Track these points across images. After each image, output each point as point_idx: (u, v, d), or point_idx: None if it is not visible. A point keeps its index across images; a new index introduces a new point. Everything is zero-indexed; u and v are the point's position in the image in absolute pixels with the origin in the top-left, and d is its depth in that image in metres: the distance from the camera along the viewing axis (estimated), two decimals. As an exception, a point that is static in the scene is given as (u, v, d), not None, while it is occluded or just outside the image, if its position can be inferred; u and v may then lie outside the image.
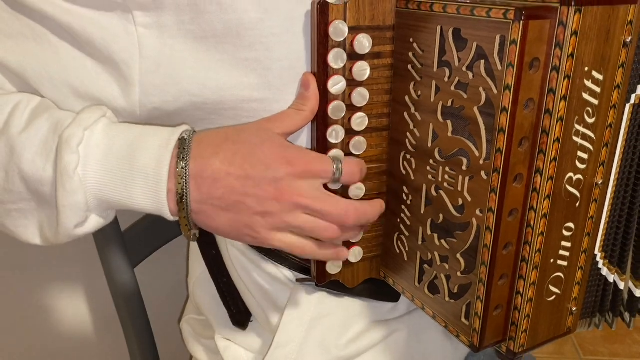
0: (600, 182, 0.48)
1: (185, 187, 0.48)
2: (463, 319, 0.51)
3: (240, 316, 0.68)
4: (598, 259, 0.52)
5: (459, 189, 0.49)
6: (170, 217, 0.49)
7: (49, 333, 0.98)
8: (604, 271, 0.52)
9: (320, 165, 0.49)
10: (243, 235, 0.50)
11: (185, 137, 0.49)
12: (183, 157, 0.48)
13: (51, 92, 0.52)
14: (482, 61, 0.44)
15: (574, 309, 0.52)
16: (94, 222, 0.51)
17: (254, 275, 0.65)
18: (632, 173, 0.50)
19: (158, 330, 0.84)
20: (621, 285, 0.53)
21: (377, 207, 0.53)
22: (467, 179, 0.48)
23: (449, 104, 0.48)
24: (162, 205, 0.48)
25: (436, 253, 0.53)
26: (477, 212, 0.47)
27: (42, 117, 0.50)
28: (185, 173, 0.47)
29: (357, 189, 0.55)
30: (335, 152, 0.53)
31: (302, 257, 0.61)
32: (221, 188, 0.48)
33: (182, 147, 0.48)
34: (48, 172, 0.48)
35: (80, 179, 0.47)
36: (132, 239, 0.79)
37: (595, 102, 0.45)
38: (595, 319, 0.55)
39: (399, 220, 0.57)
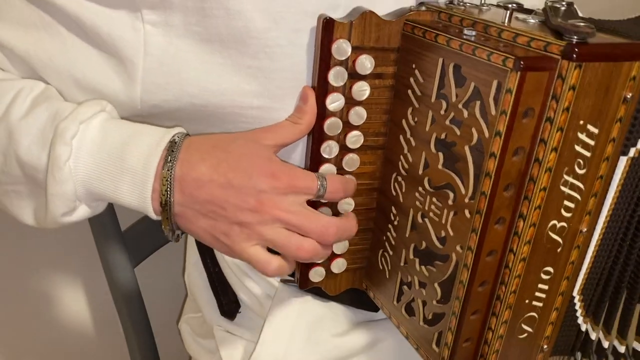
0: (584, 229, 0.48)
1: (169, 188, 0.49)
2: (434, 346, 0.52)
3: (228, 306, 0.69)
4: (576, 300, 0.53)
5: (443, 221, 0.49)
6: (154, 216, 0.51)
7: (49, 333, 0.99)
8: (580, 319, 0.53)
9: (304, 181, 0.49)
10: (219, 243, 0.50)
11: (176, 140, 0.50)
12: (170, 160, 0.49)
13: (55, 81, 0.53)
14: (478, 102, 0.44)
15: (545, 346, 0.53)
16: (82, 212, 0.52)
17: (243, 269, 0.66)
18: (624, 224, 0.50)
19: (158, 330, 0.84)
20: (592, 335, 0.53)
21: (355, 223, 0.53)
22: (451, 213, 0.48)
23: (443, 136, 0.48)
24: (146, 204, 0.49)
25: (415, 277, 0.53)
26: (458, 247, 0.48)
27: (42, 105, 0.51)
28: (170, 175, 0.48)
29: (346, 204, 0.56)
30: (326, 167, 0.53)
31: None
32: (203, 194, 0.49)
33: (171, 150, 0.49)
34: (43, 160, 0.50)
35: (70, 171, 0.49)
36: (132, 239, 0.79)
37: (588, 154, 0.44)
38: (568, 358, 0.56)
39: (384, 237, 0.57)
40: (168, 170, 0.49)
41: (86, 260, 0.95)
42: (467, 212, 0.46)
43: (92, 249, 0.79)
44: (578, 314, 0.53)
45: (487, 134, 0.43)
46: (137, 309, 0.80)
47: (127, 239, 0.78)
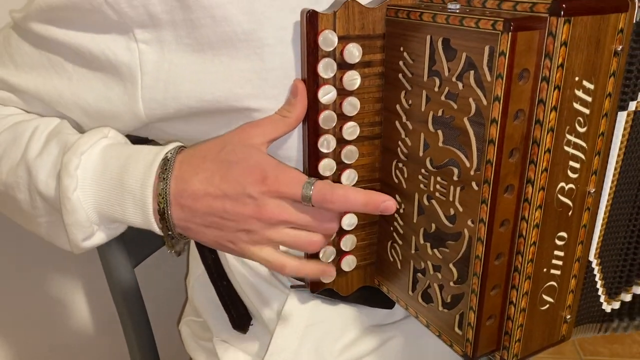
0: (592, 190, 0.48)
1: (166, 206, 0.50)
2: (456, 329, 0.51)
3: (240, 320, 0.68)
4: (594, 265, 0.52)
5: (451, 199, 0.48)
6: (160, 233, 0.52)
7: (48, 333, 0.98)
8: (598, 284, 0.52)
9: (290, 189, 0.48)
10: (229, 250, 0.51)
11: (169, 157, 0.51)
12: (164, 178, 0.50)
13: (67, 112, 0.58)
14: (472, 71, 0.44)
15: (568, 316, 0.52)
16: (101, 235, 0.55)
17: (251, 280, 0.65)
18: (635, 183, 0.50)
19: (158, 330, 0.84)
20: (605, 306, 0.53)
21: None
22: (458, 189, 0.47)
23: (440, 113, 0.47)
24: (151, 223, 0.51)
25: (429, 262, 0.52)
26: (469, 222, 0.47)
27: (53, 141, 0.54)
28: (166, 193, 0.50)
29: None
30: (325, 162, 0.53)
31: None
32: (202, 207, 0.49)
33: (164, 168, 0.50)
34: (59, 192, 0.52)
35: (79, 200, 0.51)
36: (132, 239, 0.79)
37: (587, 111, 0.44)
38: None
39: (392, 228, 0.56)
40: (162, 189, 0.50)
41: (86, 260, 0.95)
42: (474, 184, 0.46)
43: (92, 249, 0.78)
44: (597, 278, 0.52)
45: (485, 102, 0.43)
46: (137, 309, 0.80)
47: (127, 239, 0.77)
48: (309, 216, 0.49)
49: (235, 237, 0.50)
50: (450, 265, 0.50)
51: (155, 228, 0.51)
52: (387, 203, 0.47)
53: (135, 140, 0.58)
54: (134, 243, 0.80)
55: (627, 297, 0.54)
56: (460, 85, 0.45)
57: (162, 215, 0.50)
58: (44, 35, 0.55)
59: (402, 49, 0.50)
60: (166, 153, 0.51)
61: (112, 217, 0.52)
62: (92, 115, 0.57)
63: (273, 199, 0.48)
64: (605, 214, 0.50)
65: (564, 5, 0.40)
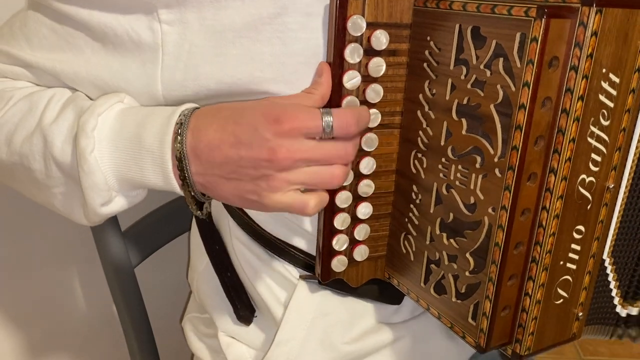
0: (611, 186, 0.48)
1: (184, 159, 0.48)
2: (470, 319, 0.51)
3: (244, 311, 0.67)
4: (607, 264, 0.52)
5: (472, 187, 0.49)
6: (180, 192, 0.51)
7: (48, 333, 0.97)
8: (612, 284, 0.52)
9: (308, 121, 0.47)
10: (251, 203, 0.49)
11: (186, 112, 0.50)
12: (181, 132, 0.49)
13: (81, 89, 0.57)
14: (501, 59, 0.44)
15: (580, 314, 0.52)
16: (120, 202, 0.54)
17: (259, 271, 0.64)
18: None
19: (158, 329, 0.83)
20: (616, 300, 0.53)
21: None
22: (480, 177, 0.48)
23: (465, 101, 0.48)
24: (171, 182, 0.50)
25: (444, 252, 0.52)
26: (490, 210, 0.47)
27: (69, 107, 0.54)
28: (183, 147, 0.48)
29: (367, 186, 0.55)
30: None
31: (307, 252, 0.61)
32: (218, 157, 0.48)
33: (181, 123, 0.49)
34: (74, 157, 0.52)
35: (96, 161, 0.50)
36: (132, 239, 0.79)
37: (611, 104, 0.45)
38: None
39: (406, 219, 0.56)
40: (180, 142, 0.49)
41: (86, 260, 0.94)
42: (497, 171, 0.46)
43: (92, 249, 0.78)
44: (610, 278, 0.53)
45: (513, 88, 0.44)
46: (137, 309, 0.79)
47: (127, 239, 0.78)
48: (327, 149, 0.48)
49: (255, 186, 0.48)
50: (467, 255, 0.50)
51: (176, 187, 0.50)
52: None
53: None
54: (134, 242, 0.80)
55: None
56: (488, 72, 0.45)
57: (182, 170, 0.49)
58: (66, 14, 0.54)
59: (429, 38, 0.51)
60: (184, 110, 0.51)
61: (131, 180, 0.51)
62: (108, 93, 0.56)
63: (287, 139, 0.46)
64: (619, 212, 0.51)
65: (596, -4, 0.41)
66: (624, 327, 0.56)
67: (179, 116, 0.50)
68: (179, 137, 0.48)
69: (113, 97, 0.53)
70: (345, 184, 0.54)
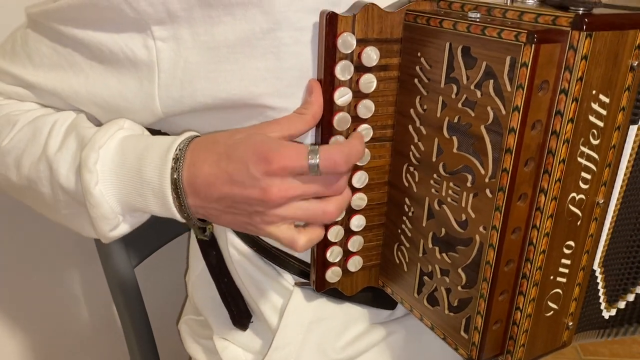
0: (601, 201, 0.49)
1: (182, 195, 0.50)
2: (462, 332, 0.51)
3: (240, 316, 0.68)
4: (597, 274, 0.53)
5: (463, 204, 0.49)
6: (183, 220, 0.52)
7: (48, 333, 0.98)
8: (600, 292, 0.53)
9: (295, 161, 0.46)
10: (251, 231, 0.51)
11: (182, 146, 0.51)
12: (176, 168, 0.50)
13: (82, 108, 0.59)
14: (491, 81, 0.44)
15: (570, 323, 0.53)
16: (126, 225, 0.55)
17: (255, 277, 0.65)
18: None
19: (158, 330, 0.84)
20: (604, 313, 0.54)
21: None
22: (471, 195, 0.48)
23: (456, 120, 0.48)
24: (172, 212, 0.51)
25: (437, 266, 0.53)
26: (481, 228, 0.48)
27: (71, 135, 0.55)
28: (179, 181, 0.50)
29: (360, 199, 0.56)
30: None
31: (302, 260, 0.61)
32: (214, 193, 0.49)
33: (177, 158, 0.50)
34: (79, 186, 0.53)
35: (101, 193, 0.52)
36: (132, 239, 0.77)
37: (601, 124, 0.45)
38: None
39: (399, 230, 0.57)
40: (176, 176, 0.50)
41: (86, 260, 0.95)
42: (488, 191, 0.46)
43: (92, 249, 0.79)
44: (599, 286, 0.54)
45: (504, 111, 0.44)
46: (137, 309, 0.80)
47: (127, 239, 0.76)
48: (318, 184, 0.48)
49: (249, 219, 0.50)
50: (459, 270, 0.51)
51: (178, 216, 0.51)
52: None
53: (149, 132, 0.58)
54: (134, 243, 0.81)
55: (622, 304, 0.56)
56: (478, 93, 0.45)
57: (180, 205, 0.50)
58: (63, 34, 0.55)
59: (419, 54, 0.50)
60: (181, 142, 0.51)
61: (135, 206, 0.53)
62: (108, 111, 0.57)
63: (277, 178, 0.47)
64: (611, 224, 0.51)
65: (586, 20, 0.40)
66: (611, 327, 0.57)
67: (176, 151, 0.50)
68: (174, 173, 0.50)
69: (113, 125, 0.54)
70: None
